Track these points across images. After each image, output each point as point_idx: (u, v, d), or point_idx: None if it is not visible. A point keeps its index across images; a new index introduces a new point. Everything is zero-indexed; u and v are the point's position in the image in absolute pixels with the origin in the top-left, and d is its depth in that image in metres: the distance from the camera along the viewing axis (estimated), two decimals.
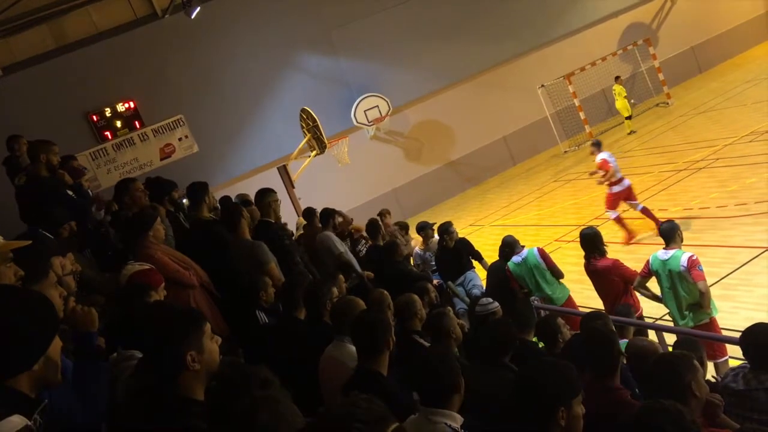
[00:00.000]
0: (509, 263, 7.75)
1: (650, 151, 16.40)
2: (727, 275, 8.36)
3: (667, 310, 6.58)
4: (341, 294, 5.30)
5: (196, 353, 2.43)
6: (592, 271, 6.97)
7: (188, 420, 2.32)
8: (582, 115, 19.66)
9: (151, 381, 2.51)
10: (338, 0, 17.97)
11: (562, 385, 2.73)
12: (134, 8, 16.17)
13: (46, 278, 3.14)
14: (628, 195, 11.04)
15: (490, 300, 5.36)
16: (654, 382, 3.19)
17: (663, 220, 10.15)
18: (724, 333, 6.20)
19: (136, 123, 16.19)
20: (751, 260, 8.60)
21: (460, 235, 9.39)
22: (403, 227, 10.29)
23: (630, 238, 10.77)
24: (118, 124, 16.03)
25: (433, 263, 9.34)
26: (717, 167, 13.07)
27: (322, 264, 7.51)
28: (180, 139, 16.58)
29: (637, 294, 6.77)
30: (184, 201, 7.42)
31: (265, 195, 6.73)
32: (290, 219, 11.54)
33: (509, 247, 7.83)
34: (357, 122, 17.99)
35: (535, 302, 7.33)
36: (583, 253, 7.05)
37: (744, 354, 3.97)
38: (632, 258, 8.51)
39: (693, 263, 6.01)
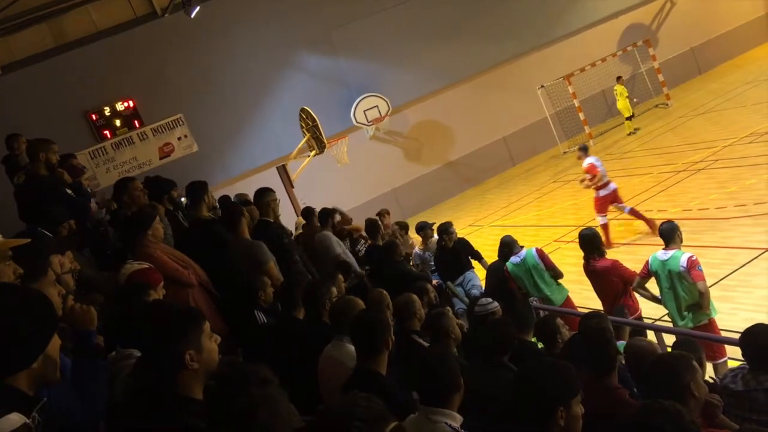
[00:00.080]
0: (508, 264, 7.75)
1: (649, 152, 16.40)
2: (726, 276, 8.36)
3: (666, 311, 6.58)
4: (340, 294, 5.30)
5: (194, 352, 2.43)
6: (591, 271, 6.97)
7: (187, 419, 2.32)
8: (582, 115, 19.66)
9: (150, 380, 2.51)
10: (338, 0, 17.97)
11: (561, 385, 2.73)
12: (134, 7, 16.16)
13: (44, 276, 3.14)
14: (614, 198, 11.21)
15: (490, 300, 5.36)
16: (653, 383, 3.18)
17: (656, 219, 10.25)
18: (723, 334, 6.19)
19: (136, 122, 16.19)
20: (750, 261, 8.61)
21: (460, 236, 9.39)
22: (403, 227, 10.29)
23: (607, 246, 10.83)
24: (118, 123, 16.02)
25: (433, 263, 9.34)
26: (716, 168, 13.07)
27: (321, 263, 7.51)
28: (179, 139, 16.57)
29: (636, 295, 6.76)
30: (183, 200, 7.42)
31: (264, 194, 6.73)
32: (289, 219, 11.54)
33: (507, 247, 7.83)
34: (356, 122, 17.98)
35: (534, 302, 7.33)
36: (582, 253, 7.05)
37: (743, 355, 3.97)
38: (631, 258, 8.50)
39: (693, 263, 6.01)
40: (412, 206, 18.41)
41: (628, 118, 19.03)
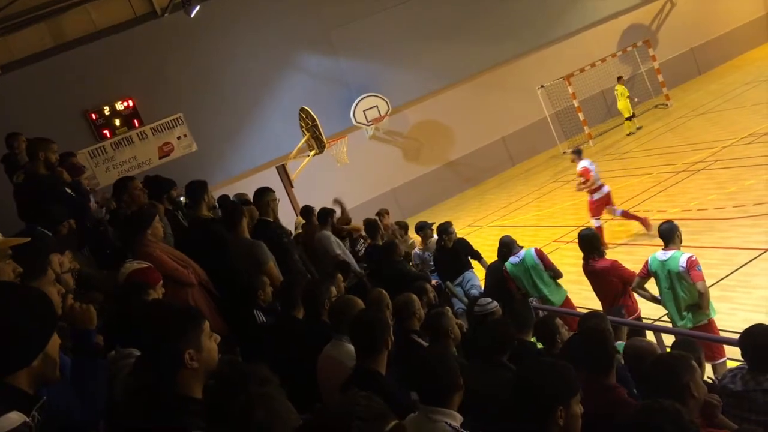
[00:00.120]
0: (507, 264, 7.75)
1: (649, 153, 16.41)
2: (726, 277, 8.37)
3: (666, 311, 6.58)
4: (340, 293, 5.30)
5: (194, 351, 2.43)
6: (590, 272, 6.97)
7: (186, 418, 2.31)
8: (581, 116, 19.67)
9: (149, 379, 2.51)
10: (338, 0, 17.96)
11: (560, 385, 2.73)
12: (133, 6, 16.14)
13: (44, 275, 3.14)
14: (608, 201, 11.26)
15: (489, 300, 5.36)
16: (652, 383, 3.18)
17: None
18: (722, 334, 6.19)
19: (135, 121, 16.17)
20: (749, 262, 8.61)
21: (459, 236, 9.39)
22: (403, 227, 10.29)
23: None
24: (117, 122, 16.00)
25: (432, 263, 9.34)
26: (716, 169, 13.08)
27: (321, 263, 7.51)
28: (179, 138, 16.56)
29: (636, 295, 6.77)
30: (181, 199, 7.42)
31: (264, 194, 6.74)
32: (289, 218, 11.54)
33: (506, 247, 7.83)
34: (356, 122, 17.98)
35: (534, 303, 7.33)
36: (581, 254, 7.05)
37: (743, 355, 3.98)
38: (631, 259, 8.51)
39: (692, 264, 6.01)
40: (412, 206, 18.40)
41: (628, 119, 19.04)
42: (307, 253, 7.52)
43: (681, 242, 6.31)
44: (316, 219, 8.63)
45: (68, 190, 6.33)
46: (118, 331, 3.42)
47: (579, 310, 7.35)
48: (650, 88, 21.26)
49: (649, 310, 7.21)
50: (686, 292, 6.12)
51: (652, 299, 6.60)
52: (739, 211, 10.41)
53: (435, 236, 9.40)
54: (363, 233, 9.15)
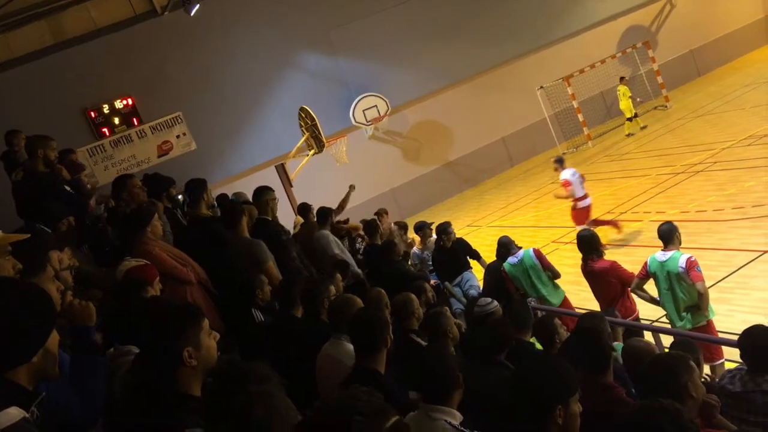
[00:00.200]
0: (505, 264, 7.74)
1: (648, 154, 16.42)
2: (724, 278, 8.38)
3: (664, 312, 6.58)
4: (339, 292, 5.30)
5: (193, 349, 2.43)
6: (589, 272, 6.96)
7: (185, 416, 2.32)
8: (580, 117, 19.68)
9: (148, 376, 2.51)
10: (338, 0, 17.96)
11: (559, 384, 2.73)
12: (133, 5, 16.13)
13: (43, 272, 3.15)
14: (587, 214, 11.18)
15: (489, 300, 5.35)
16: (650, 383, 3.19)
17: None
18: (721, 336, 6.19)
19: (134, 120, 16.14)
20: (747, 263, 8.62)
21: (458, 236, 9.39)
22: (402, 227, 10.28)
23: None
24: (116, 120, 15.98)
25: (431, 263, 9.33)
26: (715, 171, 13.09)
27: (319, 262, 7.50)
28: (178, 137, 16.54)
29: (634, 296, 6.76)
30: (179, 197, 7.41)
31: (263, 193, 6.74)
32: (288, 217, 11.52)
33: (505, 247, 7.83)
34: (355, 122, 17.98)
35: (532, 303, 7.32)
36: (580, 254, 7.05)
37: (741, 356, 3.98)
38: (630, 260, 8.51)
39: (692, 264, 6.01)
40: (411, 206, 18.41)
41: (629, 119, 19.05)
42: (304, 251, 7.51)
43: (680, 243, 6.31)
44: (313, 217, 8.62)
45: (67, 188, 6.32)
46: (117, 329, 3.42)
47: (577, 310, 7.35)
48: (649, 89, 21.29)
49: (648, 311, 7.21)
50: (685, 293, 6.12)
51: (651, 300, 6.60)
52: (738, 212, 10.42)
53: (434, 236, 9.40)
54: (362, 232, 9.14)
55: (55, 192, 6.03)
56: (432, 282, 7.79)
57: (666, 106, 20.52)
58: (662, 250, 6.30)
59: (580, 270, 7.11)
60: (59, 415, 2.43)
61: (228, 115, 16.87)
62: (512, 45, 19.89)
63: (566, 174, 11.12)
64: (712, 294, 6.81)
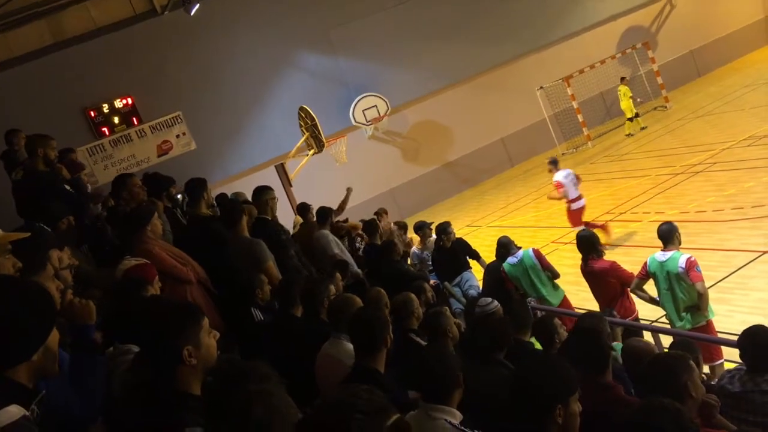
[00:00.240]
0: (505, 264, 7.75)
1: (648, 155, 16.43)
2: (723, 279, 8.38)
3: (664, 312, 6.58)
4: (338, 292, 5.30)
5: (192, 348, 2.42)
6: (588, 272, 6.96)
7: (185, 414, 2.31)
8: (580, 117, 19.69)
9: (148, 375, 2.51)
10: (338, 0, 17.96)
11: (558, 384, 2.73)
12: (133, 4, 16.13)
13: (43, 270, 3.15)
14: (581, 214, 11.25)
15: (490, 300, 5.35)
16: (650, 383, 3.19)
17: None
18: (720, 336, 6.19)
19: (134, 119, 16.14)
20: (747, 264, 8.62)
21: (458, 236, 9.38)
22: (402, 227, 10.28)
23: None
24: (116, 120, 15.97)
25: (430, 263, 9.33)
26: (714, 171, 13.10)
27: (319, 262, 7.50)
28: (177, 136, 16.54)
29: (634, 296, 6.76)
30: (179, 197, 7.40)
31: (263, 193, 6.74)
32: (287, 217, 11.52)
33: (504, 247, 7.84)
34: (355, 122, 17.98)
35: (532, 303, 7.33)
36: (580, 254, 7.05)
37: (741, 356, 3.98)
38: (629, 260, 8.51)
39: (691, 264, 6.01)
40: (410, 206, 18.41)
41: (630, 119, 19.05)
42: (304, 250, 7.50)
43: (680, 243, 6.31)
44: (312, 216, 8.62)
45: (67, 187, 6.32)
46: (117, 327, 3.41)
47: (577, 310, 7.35)
48: (649, 90, 21.29)
49: (647, 311, 7.21)
50: (685, 293, 6.12)
51: (651, 301, 6.59)
52: (737, 213, 10.43)
53: (433, 236, 9.39)
54: (361, 232, 9.14)
55: (55, 191, 6.02)
56: (431, 282, 7.79)
57: (666, 107, 20.52)
58: (662, 250, 6.30)
59: (579, 270, 7.11)
60: (59, 413, 2.43)
61: (228, 115, 16.87)
62: (512, 45, 19.89)
63: (559, 176, 11.21)
64: (712, 294, 6.82)
